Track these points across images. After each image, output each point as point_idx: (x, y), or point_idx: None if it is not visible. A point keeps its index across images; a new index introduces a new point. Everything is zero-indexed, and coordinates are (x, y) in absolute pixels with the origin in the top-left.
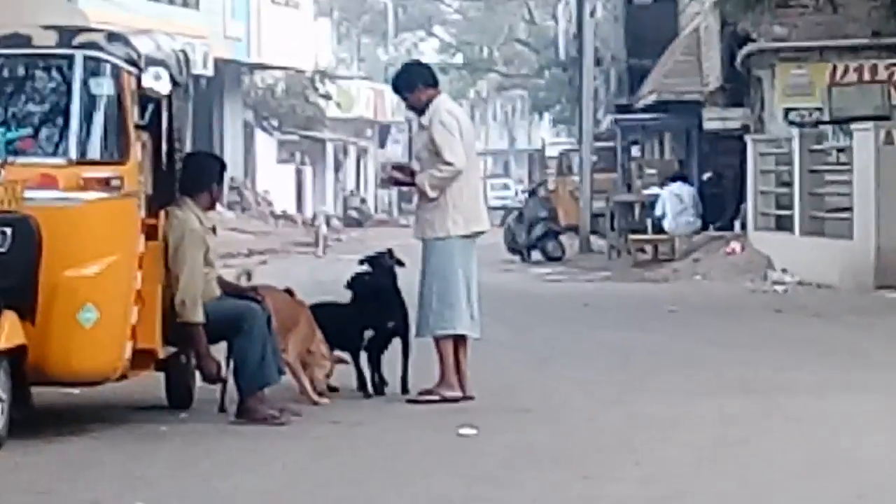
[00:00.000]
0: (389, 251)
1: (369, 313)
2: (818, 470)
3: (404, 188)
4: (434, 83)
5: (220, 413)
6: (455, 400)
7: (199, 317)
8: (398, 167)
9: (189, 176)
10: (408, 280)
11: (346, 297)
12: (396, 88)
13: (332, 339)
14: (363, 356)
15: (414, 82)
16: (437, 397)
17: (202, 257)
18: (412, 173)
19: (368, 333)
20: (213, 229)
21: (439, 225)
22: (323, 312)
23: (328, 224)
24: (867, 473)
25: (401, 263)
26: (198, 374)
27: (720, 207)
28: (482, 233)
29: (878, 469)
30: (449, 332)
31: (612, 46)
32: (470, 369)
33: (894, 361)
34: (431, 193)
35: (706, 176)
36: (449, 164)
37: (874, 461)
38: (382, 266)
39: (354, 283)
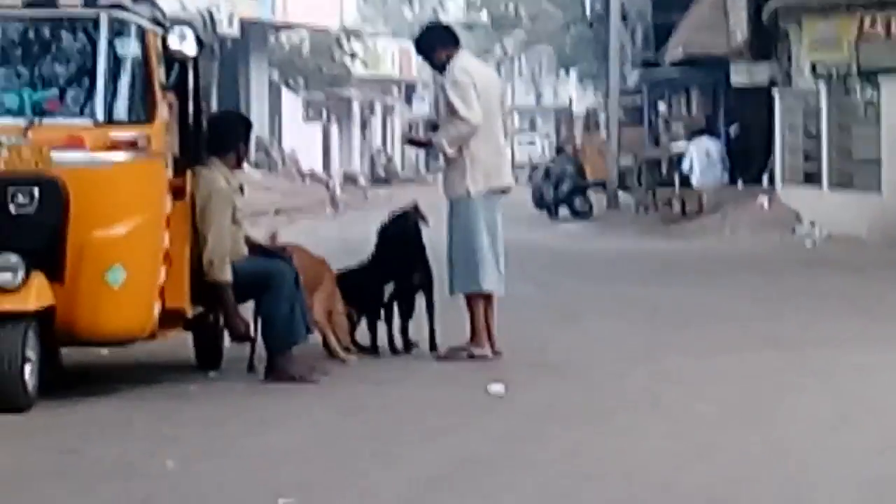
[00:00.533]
0: (415, 207)
1: (393, 266)
2: (846, 422)
3: (427, 148)
4: (453, 42)
5: (249, 372)
6: (484, 357)
7: (228, 276)
8: (431, 124)
9: (215, 135)
10: (436, 237)
11: (367, 255)
12: (418, 50)
13: (357, 299)
14: (391, 313)
15: (433, 44)
16: (464, 355)
17: (229, 216)
18: (434, 129)
19: (390, 288)
20: (241, 188)
21: (459, 183)
22: (346, 280)
23: (340, 186)
24: (895, 425)
25: (425, 219)
26: (226, 334)
27: (748, 162)
28: (507, 189)
29: None
30: (475, 290)
31: (638, 2)
32: (497, 327)
33: None
34: (449, 151)
35: (733, 130)
36: (463, 119)
37: None
38: (407, 221)
39: (383, 233)
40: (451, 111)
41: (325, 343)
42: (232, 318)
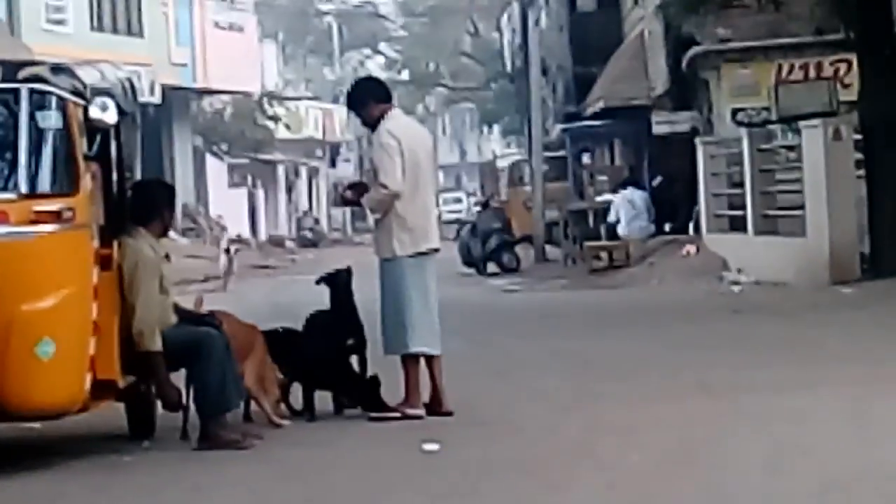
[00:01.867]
0: (348, 269)
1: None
2: (782, 467)
3: (356, 207)
4: (385, 98)
5: (183, 440)
6: (418, 417)
7: (158, 345)
8: (353, 185)
9: (139, 204)
10: (370, 298)
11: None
12: (349, 105)
13: (286, 362)
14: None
15: (364, 99)
16: (398, 415)
17: (157, 285)
18: (364, 191)
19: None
20: (167, 256)
21: (387, 245)
22: (276, 339)
23: (227, 251)
24: (831, 468)
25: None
26: (159, 403)
27: (673, 211)
28: (436, 250)
29: (842, 463)
30: (403, 352)
31: (558, 55)
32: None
33: (852, 356)
34: (372, 214)
35: (657, 181)
36: (384, 186)
37: (837, 455)
38: (340, 283)
39: (313, 322)
40: (375, 176)
41: (261, 407)
42: (164, 387)
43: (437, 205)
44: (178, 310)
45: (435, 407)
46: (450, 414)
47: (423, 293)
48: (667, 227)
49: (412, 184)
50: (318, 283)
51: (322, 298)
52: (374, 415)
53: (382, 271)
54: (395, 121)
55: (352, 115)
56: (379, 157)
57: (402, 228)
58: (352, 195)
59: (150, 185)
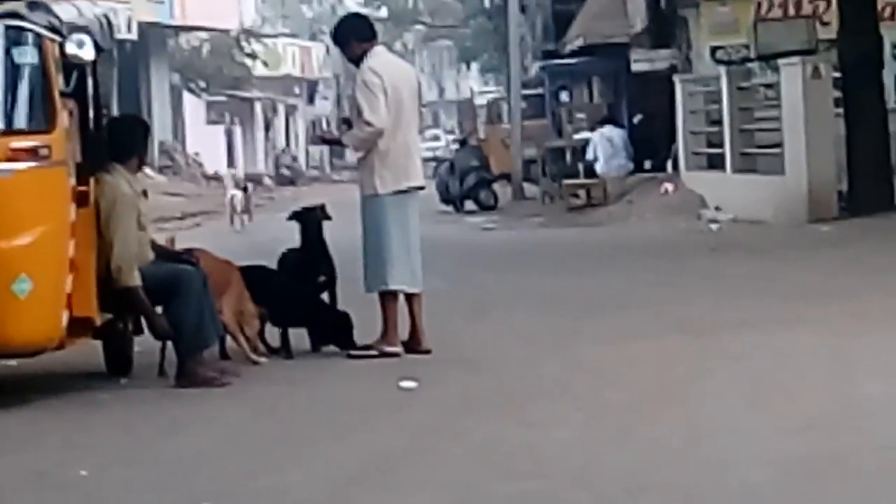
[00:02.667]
0: (322, 206)
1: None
2: (761, 405)
3: (337, 146)
4: (369, 36)
5: (160, 377)
6: (395, 355)
7: (137, 280)
8: (345, 120)
9: (116, 141)
10: (349, 235)
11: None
12: (335, 41)
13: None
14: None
15: (347, 37)
16: (375, 352)
17: (135, 221)
18: (348, 126)
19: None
20: (145, 193)
21: (368, 183)
22: (253, 275)
23: (244, 189)
24: (810, 406)
25: (328, 217)
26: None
27: (652, 149)
28: (419, 188)
29: (821, 400)
30: (382, 289)
31: None
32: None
33: (830, 294)
34: (355, 153)
35: (636, 119)
36: (368, 123)
37: (816, 393)
38: (311, 220)
39: (284, 260)
40: (358, 113)
41: (238, 344)
42: (151, 318)
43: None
44: (154, 247)
45: (413, 345)
46: (428, 352)
47: (403, 231)
48: (646, 165)
49: (395, 121)
50: (289, 219)
51: (297, 236)
52: (352, 352)
53: (364, 209)
54: (378, 58)
55: (330, 52)
56: (362, 95)
57: (384, 165)
58: (332, 135)
59: (126, 120)
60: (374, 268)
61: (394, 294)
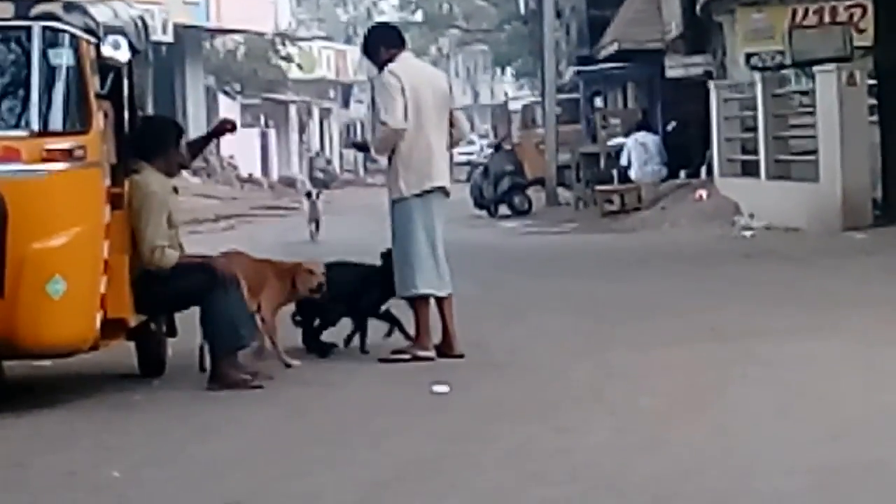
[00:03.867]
0: None
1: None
2: (792, 413)
3: (366, 152)
4: (397, 44)
5: (202, 372)
6: (428, 359)
7: (173, 259)
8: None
9: (145, 140)
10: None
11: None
12: (364, 51)
13: (352, 299)
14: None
15: (377, 44)
16: (408, 356)
17: (165, 218)
18: (358, 149)
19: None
20: (175, 190)
21: (394, 186)
22: (343, 272)
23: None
24: (841, 414)
25: None
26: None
27: (686, 156)
28: (443, 189)
29: (853, 408)
30: (411, 294)
31: None
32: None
33: (863, 302)
34: (376, 154)
35: (670, 125)
36: (384, 123)
37: (847, 402)
38: None
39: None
40: (377, 115)
41: (273, 346)
42: (204, 268)
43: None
44: (183, 248)
45: (445, 349)
46: (460, 356)
47: (429, 234)
48: (682, 174)
49: (415, 123)
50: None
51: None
52: (383, 357)
53: (391, 213)
54: (402, 62)
55: (364, 57)
56: (380, 96)
57: (407, 168)
58: (361, 140)
59: (156, 120)
60: (402, 272)
61: (425, 298)
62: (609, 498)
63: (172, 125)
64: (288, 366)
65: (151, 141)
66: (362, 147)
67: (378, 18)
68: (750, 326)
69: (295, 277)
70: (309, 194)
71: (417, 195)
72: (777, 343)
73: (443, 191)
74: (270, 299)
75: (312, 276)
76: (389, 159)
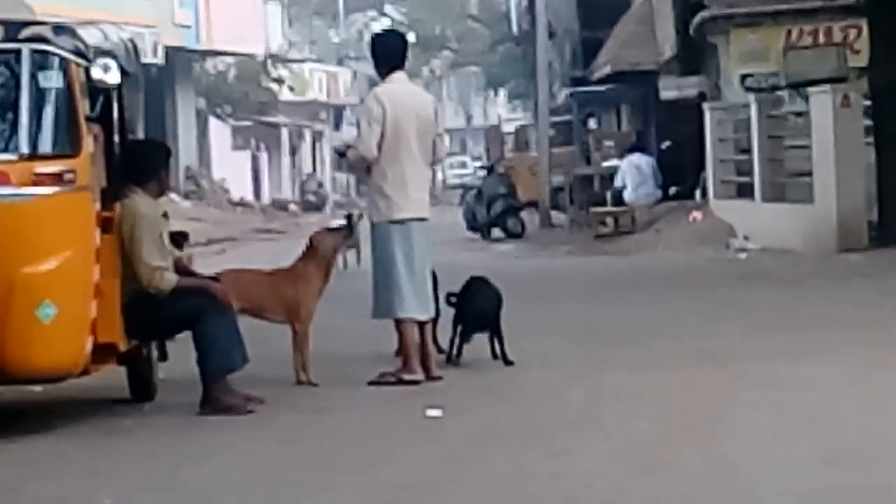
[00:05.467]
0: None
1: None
2: (788, 436)
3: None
4: (394, 62)
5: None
6: (415, 382)
7: (174, 279)
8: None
9: (135, 164)
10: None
11: None
12: (370, 53)
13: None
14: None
15: (377, 59)
16: (393, 379)
17: (158, 238)
18: (340, 155)
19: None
20: (165, 215)
21: (370, 210)
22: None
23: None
24: (837, 437)
25: None
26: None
27: (680, 175)
28: (420, 219)
29: (849, 432)
30: (390, 317)
31: (565, 18)
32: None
33: (859, 324)
34: (347, 171)
35: (665, 144)
36: (355, 148)
37: (843, 425)
38: None
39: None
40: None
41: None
42: (208, 287)
43: (436, 171)
44: (177, 268)
45: (423, 372)
46: (438, 378)
47: (408, 259)
48: (672, 191)
49: (392, 152)
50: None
51: None
52: (371, 380)
53: (371, 235)
54: (391, 85)
55: (357, 78)
56: (360, 120)
57: (380, 195)
58: (344, 148)
59: (146, 144)
60: (383, 296)
61: (409, 322)
62: None
63: (162, 148)
64: (301, 383)
65: (142, 165)
66: (343, 154)
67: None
68: (745, 349)
69: (324, 243)
70: (349, 216)
71: (392, 222)
72: (772, 366)
73: (419, 219)
74: (306, 305)
75: (334, 231)
76: (367, 183)
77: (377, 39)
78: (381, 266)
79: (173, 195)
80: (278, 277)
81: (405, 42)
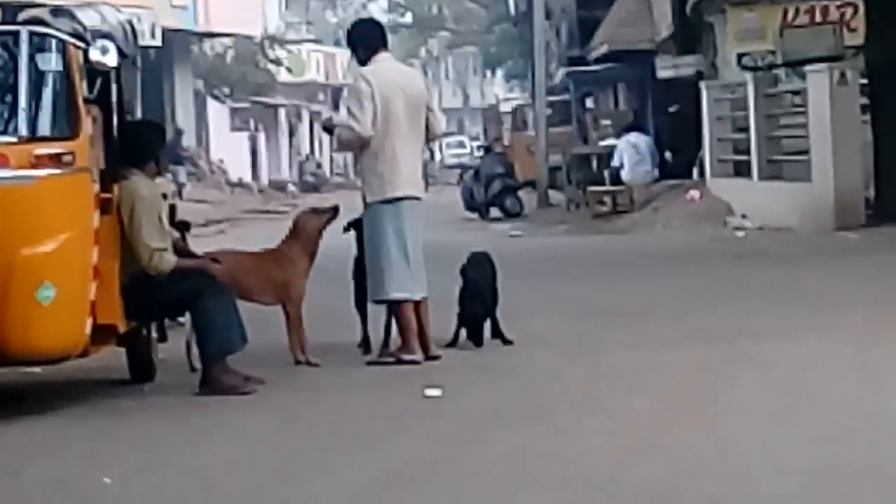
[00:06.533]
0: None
1: None
2: (788, 415)
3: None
4: (375, 45)
5: (192, 372)
6: (414, 362)
7: (173, 260)
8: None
9: (133, 146)
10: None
11: None
12: (348, 43)
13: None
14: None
15: (355, 44)
16: (392, 360)
17: (157, 220)
18: (329, 132)
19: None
20: (164, 196)
21: (365, 191)
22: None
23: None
24: (836, 416)
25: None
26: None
27: (680, 146)
28: (412, 198)
29: (848, 410)
30: (382, 298)
31: None
32: (433, 329)
33: (857, 302)
34: (335, 151)
35: (673, 108)
36: (349, 127)
37: (843, 403)
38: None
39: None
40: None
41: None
42: (207, 268)
43: (434, 151)
44: (176, 249)
45: (421, 351)
46: (437, 358)
47: (400, 239)
48: (667, 155)
49: (382, 131)
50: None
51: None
52: (370, 359)
53: (364, 216)
54: (377, 65)
55: (353, 58)
56: (350, 100)
57: (373, 174)
58: (331, 122)
59: (143, 125)
60: (374, 277)
61: (406, 303)
62: (603, 501)
63: (158, 128)
64: (299, 363)
65: (140, 146)
66: (329, 129)
67: None
68: (744, 328)
69: (308, 223)
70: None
71: (382, 202)
72: (771, 344)
73: (412, 198)
74: (294, 285)
75: (318, 212)
76: (359, 164)
77: (352, 30)
78: (373, 246)
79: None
80: (263, 259)
81: (380, 26)
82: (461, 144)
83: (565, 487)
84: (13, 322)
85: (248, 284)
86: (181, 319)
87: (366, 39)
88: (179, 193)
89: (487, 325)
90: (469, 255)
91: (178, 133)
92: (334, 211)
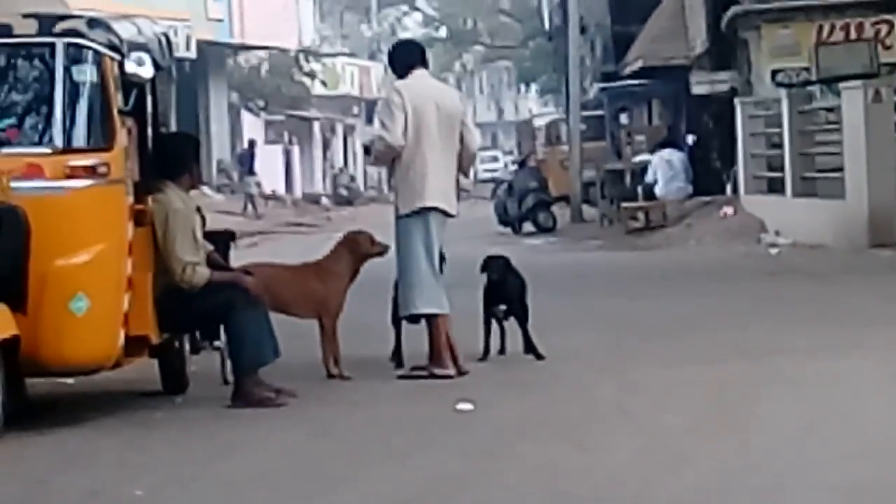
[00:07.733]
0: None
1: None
2: (818, 431)
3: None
4: (413, 62)
5: (225, 385)
6: (447, 377)
7: (207, 273)
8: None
9: (167, 158)
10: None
11: None
12: (389, 63)
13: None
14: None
15: (394, 63)
16: (425, 373)
17: (190, 235)
18: (368, 152)
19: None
20: (199, 210)
21: (396, 203)
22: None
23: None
24: (868, 433)
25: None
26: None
27: (706, 172)
28: (438, 210)
29: (879, 428)
30: (410, 312)
31: (597, 14)
32: (464, 343)
33: (890, 320)
34: (372, 165)
35: (690, 139)
36: (381, 138)
37: (874, 420)
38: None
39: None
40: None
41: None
42: (240, 281)
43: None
44: (211, 262)
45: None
46: (466, 373)
47: (429, 252)
48: (689, 138)
49: (413, 141)
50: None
51: None
52: (401, 374)
53: (395, 229)
54: (412, 79)
55: (388, 72)
56: (382, 112)
57: (404, 185)
58: (370, 142)
59: (178, 138)
60: (403, 291)
61: (440, 317)
62: None
63: (192, 140)
64: (332, 376)
65: (174, 158)
66: (369, 150)
67: (402, 35)
68: (776, 344)
69: (359, 245)
70: None
71: (416, 213)
72: (803, 361)
73: (440, 211)
74: (333, 298)
75: (374, 241)
76: (392, 177)
77: (393, 50)
78: (403, 260)
79: (206, 189)
80: (304, 272)
81: (420, 46)
82: (494, 159)
83: (595, 502)
84: (46, 333)
85: (286, 297)
86: (217, 343)
87: (404, 57)
88: (252, 203)
89: (520, 340)
90: (485, 258)
91: (252, 144)
92: (387, 250)
